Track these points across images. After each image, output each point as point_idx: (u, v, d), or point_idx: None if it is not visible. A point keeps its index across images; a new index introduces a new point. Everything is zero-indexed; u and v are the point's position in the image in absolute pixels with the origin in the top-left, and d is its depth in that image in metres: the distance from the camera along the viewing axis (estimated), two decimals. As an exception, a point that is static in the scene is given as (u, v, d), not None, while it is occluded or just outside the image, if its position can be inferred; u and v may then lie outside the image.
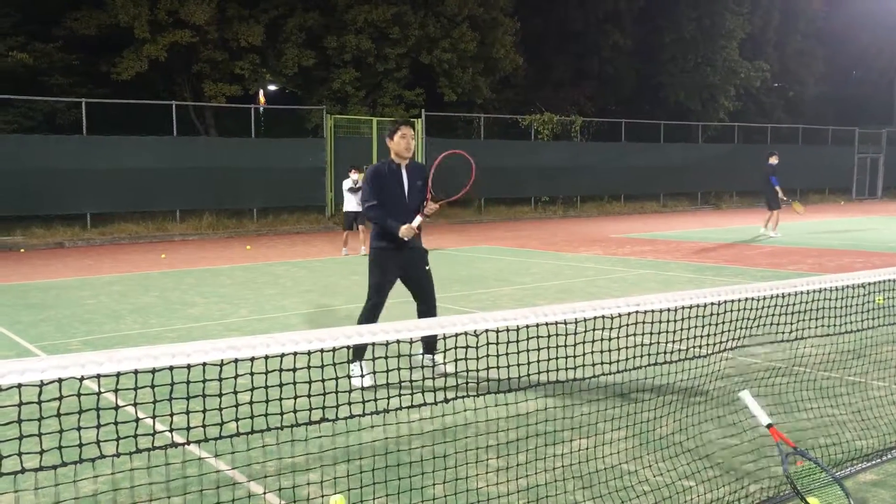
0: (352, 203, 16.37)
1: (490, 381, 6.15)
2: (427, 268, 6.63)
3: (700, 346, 4.93)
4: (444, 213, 26.69)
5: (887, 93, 52.01)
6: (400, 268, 6.51)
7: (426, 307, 6.57)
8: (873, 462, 4.60)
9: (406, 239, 6.32)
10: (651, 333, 4.56)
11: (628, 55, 39.87)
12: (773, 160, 20.03)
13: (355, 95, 30.08)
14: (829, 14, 46.98)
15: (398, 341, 3.17)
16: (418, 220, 6.38)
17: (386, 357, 3.46)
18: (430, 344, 6.56)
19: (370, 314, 6.42)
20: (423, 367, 6.37)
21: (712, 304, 4.15)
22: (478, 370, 6.45)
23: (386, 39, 29.79)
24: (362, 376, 5.22)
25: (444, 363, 6.31)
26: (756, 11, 41.70)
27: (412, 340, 5.91)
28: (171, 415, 3.03)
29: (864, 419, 5.30)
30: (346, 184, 16.48)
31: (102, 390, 2.90)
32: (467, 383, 6.00)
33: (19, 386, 2.43)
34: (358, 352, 6.10)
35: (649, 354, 4.50)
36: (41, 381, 2.43)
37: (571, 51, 39.23)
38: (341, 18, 29.53)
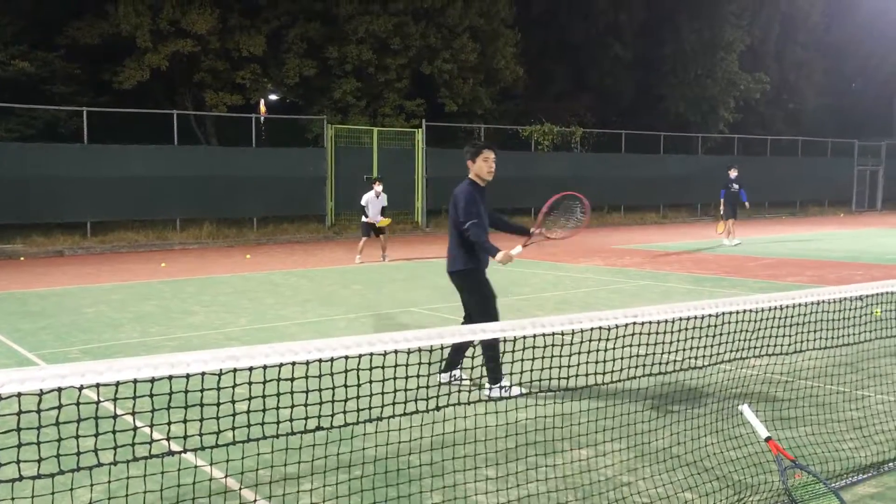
0: (373, 215, 16.71)
1: (481, 390, 6.16)
2: None
3: (698, 358, 4.94)
4: (443, 223, 26.73)
5: (887, 105, 52.11)
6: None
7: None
8: (871, 474, 4.60)
9: (501, 265, 6.29)
10: (649, 345, 4.57)
11: (628, 67, 39.99)
12: (732, 173, 20.54)
13: (356, 105, 30.15)
14: (830, 26, 47.12)
15: (396, 351, 3.18)
16: (519, 249, 6.38)
17: (383, 367, 3.47)
18: (455, 363, 6.56)
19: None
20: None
21: (710, 315, 4.16)
22: (472, 379, 6.46)
23: (387, 50, 29.89)
24: (455, 380, 5.28)
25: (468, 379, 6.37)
26: (756, 23, 41.84)
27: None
28: (169, 423, 3.04)
29: (862, 432, 5.30)
30: (369, 196, 16.70)
31: (101, 399, 2.91)
32: (469, 392, 6.00)
33: (19, 395, 2.44)
34: (453, 363, 6.25)
35: (647, 365, 4.50)
36: (41, 390, 2.44)
37: (572, 62, 39.34)
38: (343, 29, 29.64)
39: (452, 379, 6.46)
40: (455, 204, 6.31)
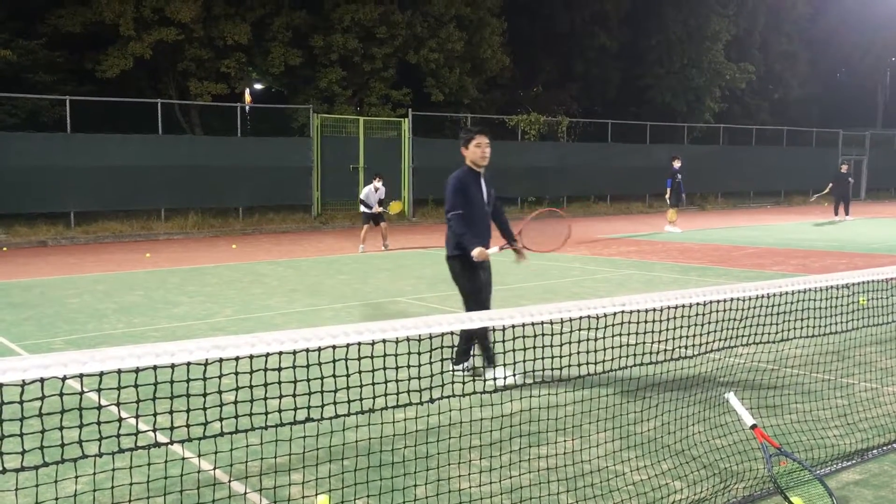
0: (375, 205, 16.83)
1: (475, 381, 6.16)
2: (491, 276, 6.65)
3: (685, 347, 4.95)
4: (430, 213, 26.69)
5: (871, 96, 52.44)
6: (482, 271, 6.45)
7: None
8: (856, 461, 4.63)
9: (476, 260, 6.25)
10: (636, 334, 4.57)
11: (614, 57, 40.00)
12: (675, 163, 21.46)
13: (342, 95, 30.00)
14: (815, 17, 47.31)
15: (384, 341, 3.16)
16: (495, 249, 6.37)
17: (372, 357, 3.45)
18: (465, 353, 6.57)
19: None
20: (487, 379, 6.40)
21: (697, 304, 4.17)
22: (463, 370, 6.45)
23: (373, 39, 29.74)
24: (505, 377, 5.42)
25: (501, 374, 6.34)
26: (741, 13, 41.95)
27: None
28: (155, 414, 3.01)
29: (847, 419, 5.33)
30: (368, 189, 16.87)
31: (85, 390, 2.87)
32: (452, 383, 5.99)
33: (0, 386, 2.40)
34: (490, 358, 6.24)
35: (635, 354, 4.51)
36: (23, 380, 2.41)
37: (558, 52, 39.31)
38: (328, 17, 29.46)
39: (466, 370, 6.48)
40: (445, 192, 6.40)
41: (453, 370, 6.39)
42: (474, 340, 6.44)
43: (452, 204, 6.28)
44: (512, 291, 11.16)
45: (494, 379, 6.10)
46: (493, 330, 3.59)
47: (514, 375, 5.96)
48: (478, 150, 6.37)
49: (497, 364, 6.24)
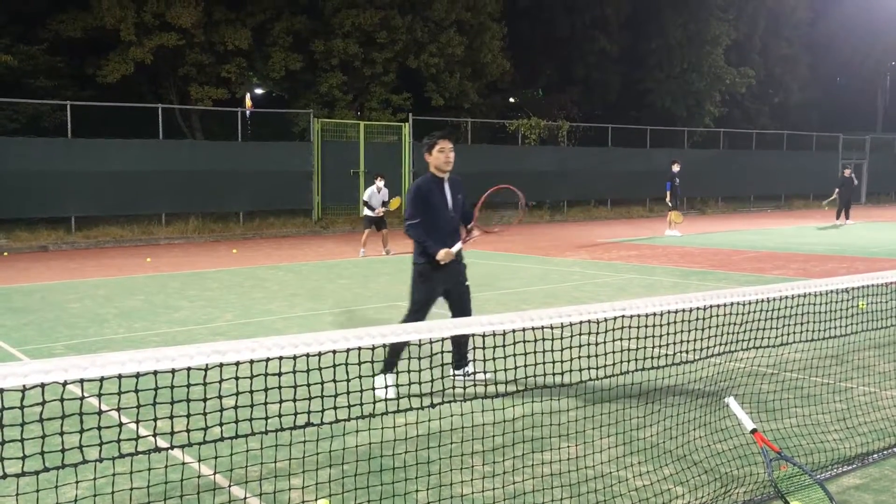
0: (377, 206, 16.83)
1: (476, 386, 6.16)
2: (466, 283, 6.52)
3: (686, 352, 4.94)
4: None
5: (871, 100, 52.50)
6: (445, 281, 6.35)
7: None
8: (856, 466, 4.63)
9: (443, 263, 6.20)
10: (637, 338, 4.57)
11: (615, 61, 40.05)
12: (675, 167, 21.79)
13: (342, 99, 30.04)
14: (815, 21, 47.37)
15: (384, 345, 3.16)
16: (458, 246, 6.33)
17: (372, 361, 3.45)
18: (462, 357, 6.49)
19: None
20: (465, 383, 6.30)
21: (698, 308, 4.17)
22: (464, 374, 6.45)
23: (373, 44, 29.79)
24: (386, 387, 5.23)
25: (484, 371, 6.23)
26: (742, 18, 42.00)
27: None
28: (155, 419, 3.02)
29: (847, 423, 5.33)
30: (371, 190, 16.86)
31: (86, 395, 2.88)
32: (454, 388, 6.00)
33: (1, 391, 2.41)
34: (388, 365, 5.95)
35: (636, 359, 4.51)
36: (24, 385, 2.41)
37: (558, 56, 39.36)
38: (329, 22, 29.51)
39: (466, 375, 6.43)
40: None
41: (454, 375, 6.39)
42: (470, 343, 6.40)
43: (410, 213, 6.32)
44: (512, 295, 11.16)
45: (382, 387, 5.67)
46: (494, 334, 3.59)
47: (397, 394, 5.73)
48: (441, 156, 6.35)
49: (387, 373, 5.86)
